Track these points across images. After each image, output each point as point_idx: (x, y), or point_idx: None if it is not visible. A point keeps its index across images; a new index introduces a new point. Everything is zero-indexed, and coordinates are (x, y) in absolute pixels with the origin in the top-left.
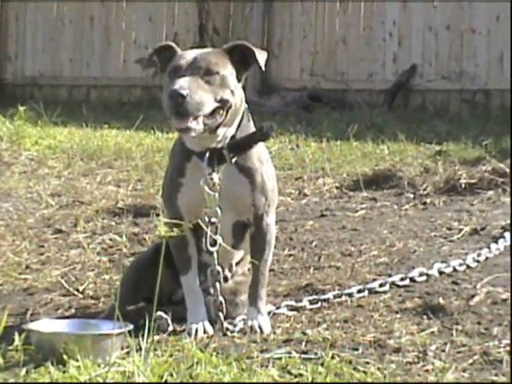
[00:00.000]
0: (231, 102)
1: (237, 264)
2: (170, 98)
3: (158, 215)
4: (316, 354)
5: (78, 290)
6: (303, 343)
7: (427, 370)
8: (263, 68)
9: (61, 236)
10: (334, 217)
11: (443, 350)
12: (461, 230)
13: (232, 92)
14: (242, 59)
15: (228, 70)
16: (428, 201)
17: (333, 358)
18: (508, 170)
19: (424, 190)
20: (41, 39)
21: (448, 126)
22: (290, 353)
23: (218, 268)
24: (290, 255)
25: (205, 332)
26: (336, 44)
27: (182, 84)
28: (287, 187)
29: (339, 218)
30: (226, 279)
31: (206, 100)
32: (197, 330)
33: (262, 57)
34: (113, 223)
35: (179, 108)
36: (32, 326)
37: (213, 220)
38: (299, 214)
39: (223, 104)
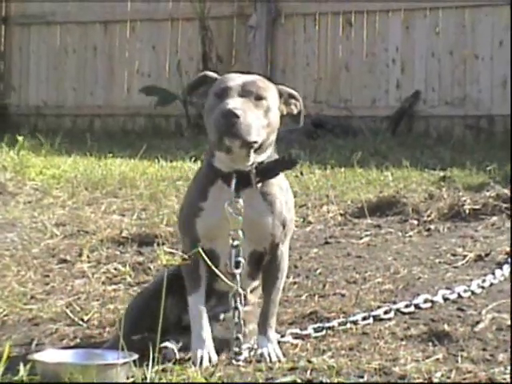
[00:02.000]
0: (270, 133)
1: (250, 292)
2: (224, 117)
3: (162, 244)
4: (321, 382)
5: (82, 320)
6: (308, 371)
7: None
8: (299, 126)
9: (65, 266)
10: (339, 244)
11: (448, 377)
12: (465, 256)
13: (273, 124)
14: (285, 102)
15: (274, 99)
16: (432, 227)
17: None
18: None
19: (428, 216)
20: (44, 69)
21: (452, 152)
22: (295, 381)
23: (241, 290)
24: (295, 283)
25: (210, 360)
26: (339, 71)
27: (236, 104)
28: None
29: (344, 245)
30: (236, 308)
31: (255, 125)
32: (202, 358)
33: (302, 119)
34: (117, 252)
35: (232, 128)
36: (37, 356)
37: (235, 243)
38: (304, 241)
39: (265, 132)
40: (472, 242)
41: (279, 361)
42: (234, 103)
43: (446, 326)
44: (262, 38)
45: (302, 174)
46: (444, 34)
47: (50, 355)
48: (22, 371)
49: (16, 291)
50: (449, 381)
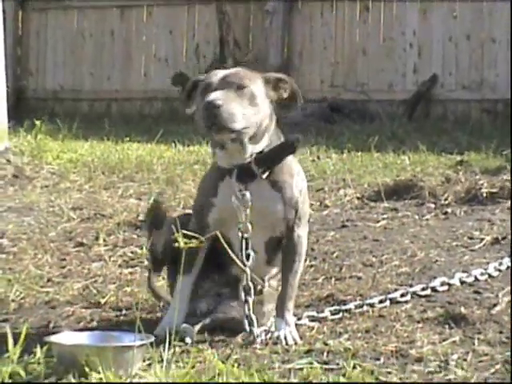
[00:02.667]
0: (260, 120)
1: (270, 279)
2: (206, 108)
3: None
4: (338, 364)
5: (99, 303)
6: (325, 354)
7: (449, 380)
8: (301, 103)
9: (82, 249)
10: (356, 227)
11: (465, 360)
12: (482, 239)
13: (262, 111)
14: (275, 88)
15: (258, 86)
16: (449, 210)
17: (354, 368)
18: None
19: (445, 199)
20: (61, 53)
21: (469, 136)
22: (311, 363)
23: (250, 284)
24: (312, 266)
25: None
26: (356, 55)
27: (217, 95)
28: (309, 198)
29: (360, 228)
30: (260, 292)
31: (238, 113)
32: (160, 336)
33: (301, 98)
34: (134, 236)
35: (214, 119)
36: (53, 338)
37: (245, 235)
38: (320, 224)
39: (252, 120)
40: (489, 225)
41: (295, 343)
42: (214, 95)
43: (462, 309)
44: (278, 22)
45: (318, 158)
46: (461, 17)
47: (67, 337)
48: (39, 353)
49: (33, 274)
50: (465, 363)
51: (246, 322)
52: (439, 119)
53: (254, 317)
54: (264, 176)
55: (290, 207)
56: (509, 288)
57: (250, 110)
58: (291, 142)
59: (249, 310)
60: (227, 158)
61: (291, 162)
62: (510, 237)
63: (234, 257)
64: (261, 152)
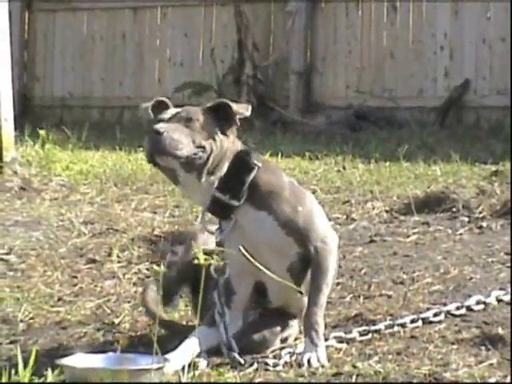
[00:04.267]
0: (210, 148)
1: None
2: (148, 136)
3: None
4: None
5: (113, 323)
6: (354, 377)
7: None
8: (246, 115)
9: (94, 266)
10: (384, 242)
11: (503, 383)
12: None
13: (213, 139)
14: (225, 115)
15: (209, 120)
16: (484, 224)
17: None
18: None
19: (480, 213)
20: (70, 58)
21: (504, 145)
22: None
23: (225, 309)
24: (338, 284)
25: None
26: (383, 59)
27: (161, 125)
28: (334, 211)
29: (390, 243)
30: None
31: (183, 140)
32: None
33: (242, 108)
34: (149, 252)
35: (156, 145)
36: (65, 361)
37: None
38: (347, 239)
39: (202, 148)
40: None
41: (322, 366)
42: (159, 125)
43: (499, 329)
44: (301, 24)
45: (344, 168)
46: (495, 19)
47: (79, 360)
48: (50, 377)
49: (42, 293)
50: None
51: (224, 347)
52: (472, 127)
53: (233, 341)
54: (240, 202)
55: (286, 222)
56: None
57: (200, 138)
58: (244, 160)
59: (226, 334)
60: (191, 197)
61: (268, 175)
62: None
63: (261, 267)
64: (222, 178)
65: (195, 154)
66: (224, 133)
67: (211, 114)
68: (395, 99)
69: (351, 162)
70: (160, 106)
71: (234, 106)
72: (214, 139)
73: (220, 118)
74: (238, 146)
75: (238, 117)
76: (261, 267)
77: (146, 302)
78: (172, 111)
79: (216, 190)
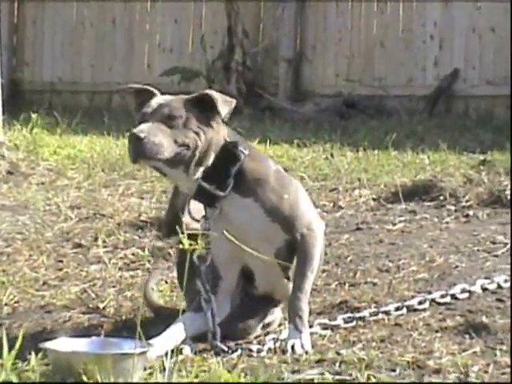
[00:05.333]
0: (195, 144)
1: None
2: (129, 141)
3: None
4: (351, 375)
5: (98, 308)
6: (337, 364)
7: None
8: (223, 117)
9: (80, 251)
10: (371, 230)
11: (486, 372)
12: (506, 244)
13: (197, 134)
14: (209, 107)
15: (191, 114)
16: (471, 213)
17: (369, 379)
18: None
19: (467, 201)
20: (60, 43)
21: (492, 134)
22: (323, 374)
23: (211, 295)
24: (324, 271)
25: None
26: (373, 47)
27: (142, 128)
28: (321, 199)
29: (376, 231)
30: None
31: (165, 143)
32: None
33: (225, 106)
34: (135, 237)
35: (137, 150)
36: (49, 344)
37: (202, 268)
38: (334, 227)
39: (186, 146)
40: None
41: (306, 352)
42: (139, 128)
43: (484, 318)
44: (291, 11)
45: (332, 156)
46: (486, 8)
47: (63, 344)
48: (33, 361)
49: (28, 277)
50: (486, 375)
51: (209, 334)
52: (461, 116)
53: (218, 330)
54: (225, 192)
55: (272, 209)
56: None
57: (183, 136)
58: (231, 151)
59: (213, 321)
60: (182, 186)
61: (253, 164)
62: None
63: (248, 248)
64: (208, 168)
65: (178, 153)
66: (209, 124)
67: (195, 106)
68: (385, 88)
69: (339, 149)
70: (145, 94)
71: (218, 102)
72: (198, 134)
73: (204, 108)
74: (225, 133)
75: (220, 112)
76: (247, 249)
77: (148, 294)
78: (154, 104)
79: (202, 180)
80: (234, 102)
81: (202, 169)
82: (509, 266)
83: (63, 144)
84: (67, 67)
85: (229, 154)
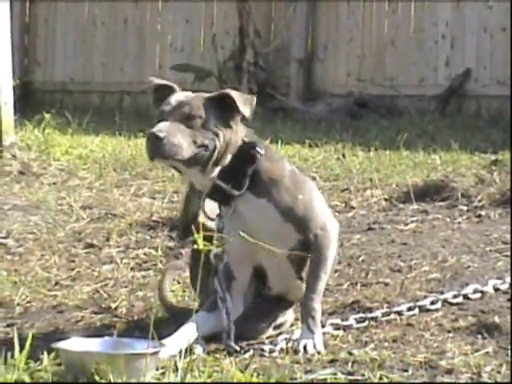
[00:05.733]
0: (214, 145)
1: None
2: (148, 140)
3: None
4: (363, 375)
5: (110, 308)
6: (349, 364)
7: None
8: (247, 117)
9: (92, 251)
10: (383, 230)
11: (499, 372)
12: None
13: (216, 135)
14: (229, 107)
15: (211, 115)
16: (483, 213)
17: (381, 379)
18: None
19: (478, 201)
20: (71, 42)
21: (504, 134)
22: (335, 374)
23: (227, 295)
24: (336, 271)
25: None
26: (385, 47)
27: (161, 127)
28: (333, 199)
29: (388, 231)
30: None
31: (183, 143)
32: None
33: (246, 107)
34: (147, 237)
35: (156, 150)
36: (61, 344)
37: (220, 267)
38: (345, 227)
39: (205, 147)
40: None
41: (318, 353)
42: (158, 127)
43: (496, 318)
44: (302, 11)
45: (344, 156)
46: (497, 8)
47: (75, 344)
48: (46, 360)
49: (40, 277)
50: (499, 376)
51: (224, 333)
52: (472, 116)
53: (232, 329)
54: (241, 191)
55: (286, 210)
56: None
57: (202, 137)
58: (248, 151)
59: (228, 320)
60: (197, 183)
61: (268, 163)
62: None
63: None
64: (224, 167)
65: (197, 153)
66: (228, 125)
67: (214, 106)
68: (396, 87)
69: (351, 149)
70: (164, 89)
71: (239, 102)
72: (217, 135)
73: (223, 108)
74: (242, 133)
75: (242, 111)
76: (263, 244)
77: (163, 295)
78: (174, 102)
79: (218, 178)
80: (254, 99)
81: (218, 168)
82: None
83: (75, 144)
84: (79, 67)
85: (246, 154)
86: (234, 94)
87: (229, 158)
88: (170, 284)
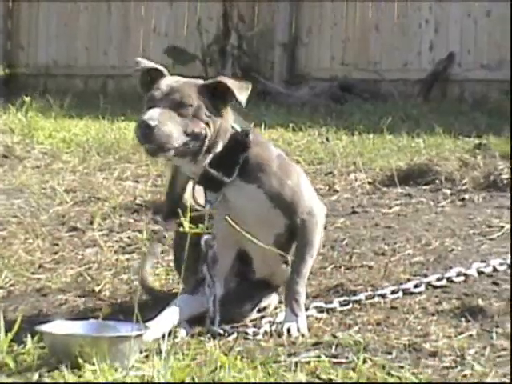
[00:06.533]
0: (204, 134)
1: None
2: (139, 127)
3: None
4: (347, 357)
5: (94, 291)
6: (333, 346)
7: (465, 375)
8: (244, 105)
9: (76, 234)
10: (367, 214)
11: (482, 354)
12: (501, 227)
13: (207, 124)
14: (221, 94)
15: (202, 103)
16: (466, 197)
17: (365, 362)
18: None
19: (462, 185)
20: (55, 26)
21: (488, 118)
22: (319, 357)
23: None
24: (320, 254)
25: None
26: (368, 31)
27: (152, 115)
28: (317, 182)
29: (372, 214)
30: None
31: (174, 132)
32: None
33: (242, 93)
34: (131, 220)
35: (147, 138)
36: (45, 327)
37: (210, 254)
38: (329, 210)
39: (195, 136)
40: (508, 213)
41: (302, 335)
42: (149, 114)
43: (480, 301)
44: None
45: (328, 139)
46: None
47: (59, 327)
48: (30, 343)
49: (23, 260)
50: (482, 358)
51: (208, 320)
52: (456, 100)
53: (218, 317)
54: (231, 178)
55: (275, 195)
56: None
57: (193, 126)
58: (241, 139)
59: (214, 308)
60: (187, 170)
61: (258, 149)
62: None
63: (247, 234)
64: (216, 155)
65: (186, 143)
66: (218, 113)
67: (207, 93)
68: (380, 72)
69: (335, 133)
70: (152, 73)
71: (235, 90)
72: (208, 124)
73: (215, 96)
74: (231, 119)
75: (239, 99)
76: (248, 236)
77: (144, 277)
78: (164, 88)
79: (209, 165)
80: (250, 86)
81: (210, 156)
82: (504, 250)
83: (58, 127)
84: (62, 51)
85: (239, 141)
86: (229, 81)
87: (220, 145)
88: (152, 268)
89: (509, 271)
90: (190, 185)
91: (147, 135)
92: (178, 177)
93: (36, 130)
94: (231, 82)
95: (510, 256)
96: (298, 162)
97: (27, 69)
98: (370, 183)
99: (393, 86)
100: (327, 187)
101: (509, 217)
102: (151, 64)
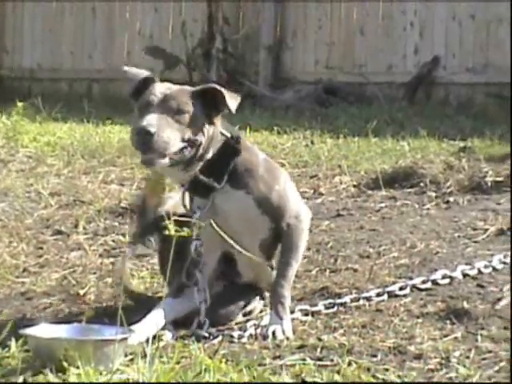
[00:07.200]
0: (199, 141)
1: None
2: (138, 134)
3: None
4: (332, 360)
5: (78, 294)
6: (318, 349)
7: (450, 378)
8: (233, 112)
9: (60, 237)
10: (352, 216)
11: (467, 357)
12: (486, 230)
13: (202, 131)
14: (213, 102)
15: (198, 111)
16: (451, 199)
17: (350, 364)
18: None
19: (447, 188)
20: (40, 30)
21: (473, 122)
22: (304, 359)
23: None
24: (305, 257)
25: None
26: (353, 34)
27: (151, 121)
28: (302, 185)
29: (357, 217)
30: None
31: (173, 139)
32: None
33: (233, 101)
34: (116, 224)
35: (146, 145)
36: (29, 331)
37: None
38: (314, 213)
39: (191, 143)
40: (493, 216)
41: (287, 338)
42: (148, 120)
43: (465, 304)
44: None
45: (312, 143)
46: None
47: (44, 330)
48: (14, 347)
49: (8, 263)
50: (467, 360)
51: (194, 324)
52: (441, 103)
53: (207, 322)
54: (221, 184)
55: (263, 201)
56: None
57: (189, 134)
58: (232, 146)
59: (203, 314)
60: (176, 178)
61: (246, 155)
62: None
63: (235, 244)
64: (206, 162)
65: (182, 150)
66: (211, 121)
67: (200, 100)
68: (365, 75)
69: (320, 136)
70: (143, 79)
71: (227, 97)
72: (203, 132)
73: (208, 103)
74: (220, 126)
75: (230, 106)
76: (233, 243)
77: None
78: (159, 94)
79: (199, 172)
80: (239, 97)
81: (201, 163)
82: (489, 252)
83: (43, 131)
84: (47, 54)
85: (229, 148)
86: (221, 88)
87: (211, 151)
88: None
89: (493, 273)
90: (165, 200)
91: (147, 143)
92: (153, 194)
93: (20, 134)
94: (223, 90)
95: (510, 256)
96: (282, 165)
97: (12, 72)
98: (354, 186)
99: (378, 88)
100: (312, 190)
101: (493, 219)
102: (143, 73)
